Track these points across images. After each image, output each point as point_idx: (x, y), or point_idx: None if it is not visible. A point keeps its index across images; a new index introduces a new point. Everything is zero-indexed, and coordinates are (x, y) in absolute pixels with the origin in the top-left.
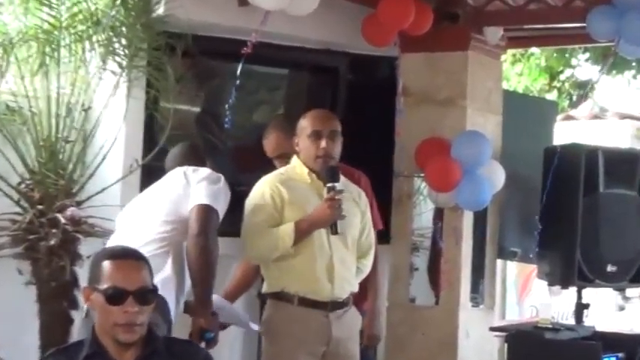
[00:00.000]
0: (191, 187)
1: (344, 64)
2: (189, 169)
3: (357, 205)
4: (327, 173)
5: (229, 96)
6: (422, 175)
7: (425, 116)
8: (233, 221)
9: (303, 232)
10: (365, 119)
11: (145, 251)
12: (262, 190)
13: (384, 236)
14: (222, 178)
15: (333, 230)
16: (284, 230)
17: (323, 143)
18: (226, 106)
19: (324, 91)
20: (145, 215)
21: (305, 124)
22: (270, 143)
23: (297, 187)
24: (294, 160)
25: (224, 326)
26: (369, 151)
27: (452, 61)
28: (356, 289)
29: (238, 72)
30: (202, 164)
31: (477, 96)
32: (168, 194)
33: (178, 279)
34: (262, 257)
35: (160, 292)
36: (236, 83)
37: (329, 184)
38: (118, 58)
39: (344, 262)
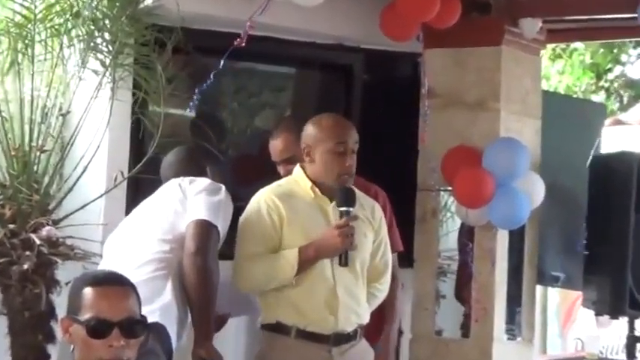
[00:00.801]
0: (188, 200)
1: (359, 62)
2: (185, 181)
3: (370, 224)
4: (343, 196)
5: (226, 97)
6: (449, 188)
7: (452, 121)
8: (234, 241)
9: (307, 261)
10: (383, 125)
11: (141, 274)
12: (257, 205)
13: (406, 259)
14: (223, 188)
15: (342, 261)
16: (285, 258)
17: (349, 160)
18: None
19: (336, 93)
20: (139, 235)
21: (323, 135)
22: (278, 145)
23: (298, 203)
24: (297, 171)
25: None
26: (387, 162)
27: (483, 58)
28: (366, 320)
29: (220, 65)
30: (202, 173)
31: (513, 97)
32: (164, 210)
33: (180, 304)
34: (257, 288)
35: (160, 320)
36: (229, 81)
37: (342, 209)
38: (100, 56)
39: (350, 292)
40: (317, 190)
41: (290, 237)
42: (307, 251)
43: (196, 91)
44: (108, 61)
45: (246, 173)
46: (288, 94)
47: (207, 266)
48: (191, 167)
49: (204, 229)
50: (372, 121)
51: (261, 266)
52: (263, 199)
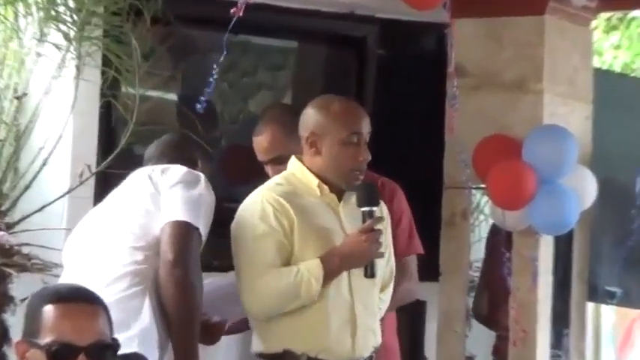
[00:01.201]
0: (161, 195)
1: (374, 35)
2: (155, 170)
3: (381, 223)
4: (365, 193)
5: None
6: (482, 186)
7: (486, 105)
8: (221, 250)
9: (333, 273)
10: (402, 110)
11: (113, 293)
12: (260, 209)
13: (430, 271)
14: (203, 178)
15: (368, 272)
16: (308, 270)
17: (364, 153)
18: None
19: (346, 72)
20: (106, 242)
21: (333, 123)
22: (263, 141)
23: (306, 204)
24: (295, 164)
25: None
26: (407, 155)
27: (523, 30)
28: (380, 340)
29: (225, 40)
30: (192, 166)
31: (558, 77)
32: (133, 210)
33: (160, 325)
34: (275, 311)
35: (139, 348)
36: (218, 58)
37: (365, 209)
38: (63, 27)
39: (368, 306)
40: (325, 187)
41: (301, 245)
42: (332, 261)
43: (210, 84)
44: (72, 34)
45: (238, 168)
46: (289, 72)
47: (188, 279)
48: (180, 159)
49: (183, 232)
50: (388, 105)
51: (280, 284)
52: (265, 200)
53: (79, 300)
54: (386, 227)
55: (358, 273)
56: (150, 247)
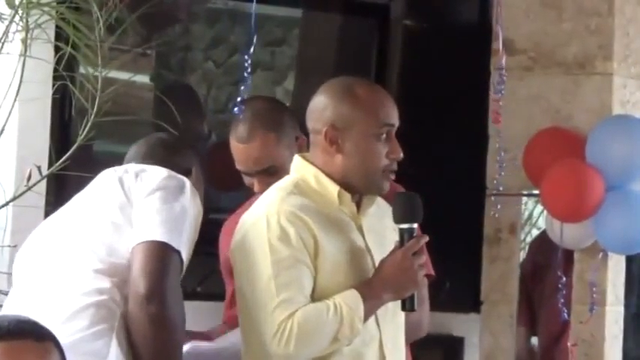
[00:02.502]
0: (134, 207)
1: (400, 2)
2: (128, 172)
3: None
4: (405, 206)
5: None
6: (535, 192)
7: (541, 91)
8: (206, 273)
9: (373, 306)
10: (434, 96)
11: (71, 332)
12: (279, 226)
13: (468, 299)
14: (187, 185)
15: (407, 306)
16: (349, 306)
17: (397, 149)
18: (244, 73)
19: (363, 48)
20: (63, 263)
21: (361, 113)
22: (252, 151)
23: (328, 218)
24: (304, 167)
25: None
26: (440, 153)
27: None
28: None
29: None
30: (184, 173)
31: (632, 55)
32: (98, 223)
33: None
34: (308, 357)
35: None
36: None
37: (404, 226)
38: None
39: (397, 346)
40: (347, 196)
41: (327, 272)
42: (372, 292)
43: (245, 79)
44: (17, 0)
45: (228, 170)
46: (291, 48)
47: (165, 316)
48: (170, 167)
49: (160, 257)
50: (416, 90)
51: (315, 324)
52: (282, 214)
53: (25, 336)
54: None
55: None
56: (117, 272)
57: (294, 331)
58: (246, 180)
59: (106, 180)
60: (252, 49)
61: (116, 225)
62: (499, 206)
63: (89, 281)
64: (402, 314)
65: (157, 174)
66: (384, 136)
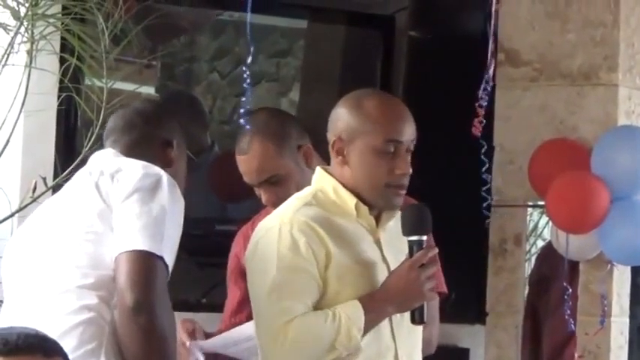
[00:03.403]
0: (114, 212)
1: (404, 13)
2: (104, 175)
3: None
4: (413, 218)
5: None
6: (541, 203)
7: (546, 101)
8: (211, 285)
9: (375, 320)
10: (438, 107)
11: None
12: (289, 235)
13: (473, 311)
14: (164, 178)
15: (417, 318)
16: (348, 316)
17: (403, 165)
18: (244, 84)
19: (368, 59)
20: (44, 279)
21: (365, 125)
22: (251, 161)
23: (344, 230)
24: (324, 178)
25: None
26: (445, 164)
27: (593, 5)
28: None
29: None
30: (163, 149)
31: (638, 67)
32: (78, 234)
33: None
34: None
35: None
36: (212, 42)
37: (414, 238)
38: (11, 2)
39: (413, 354)
40: (364, 208)
41: (338, 284)
42: (375, 304)
43: (246, 90)
44: (23, 11)
45: (232, 182)
46: (296, 60)
47: (155, 327)
48: (150, 138)
49: (145, 266)
50: (421, 101)
51: (313, 332)
52: (294, 224)
53: (35, 351)
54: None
55: (401, 314)
56: (103, 285)
57: (289, 337)
58: (257, 192)
59: (82, 186)
60: (249, 60)
61: (98, 234)
62: (504, 217)
63: (74, 299)
64: (420, 329)
65: (133, 174)
66: (390, 151)
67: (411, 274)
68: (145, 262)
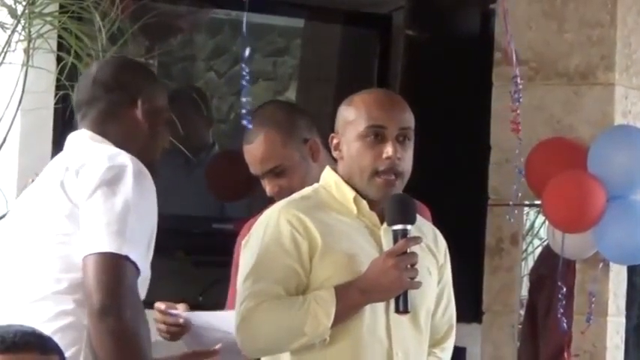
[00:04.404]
0: (80, 209)
1: (401, 12)
2: (69, 170)
3: (434, 256)
4: (397, 207)
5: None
6: (537, 203)
7: (543, 101)
8: (209, 283)
9: (350, 307)
10: (436, 106)
11: None
12: (273, 225)
13: (470, 310)
14: (129, 164)
15: (400, 307)
16: (317, 301)
17: (389, 149)
18: (242, 82)
19: (365, 58)
20: (20, 288)
21: (353, 114)
22: (256, 150)
23: (335, 223)
24: (329, 175)
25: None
26: (442, 163)
27: (590, 5)
28: None
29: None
30: (129, 104)
31: (634, 65)
32: (48, 236)
33: None
34: (273, 349)
35: None
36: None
37: (397, 227)
38: (9, 0)
39: (412, 355)
40: (363, 203)
41: (322, 276)
42: (349, 292)
43: (244, 87)
44: (20, 10)
45: (231, 180)
46: (292, 58)
47: (126, 328)
48: (119, 98)
49: (109, 267)
50: (418, 100)
51: (279, 316)
52: (281, 215)
53: (31, 348)
54: (446, 263)
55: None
56: (77, 288)
57: (256, 319)
58: (262, 184)
59: (49, 183)
60: (245, 56)
61: (68, 236)
62: (501, 217)
63: (52, 305)
64: (425, 336)
65: (96, 168)
66: (372, 137)
67: (388, 261)
68: (109, 263)
